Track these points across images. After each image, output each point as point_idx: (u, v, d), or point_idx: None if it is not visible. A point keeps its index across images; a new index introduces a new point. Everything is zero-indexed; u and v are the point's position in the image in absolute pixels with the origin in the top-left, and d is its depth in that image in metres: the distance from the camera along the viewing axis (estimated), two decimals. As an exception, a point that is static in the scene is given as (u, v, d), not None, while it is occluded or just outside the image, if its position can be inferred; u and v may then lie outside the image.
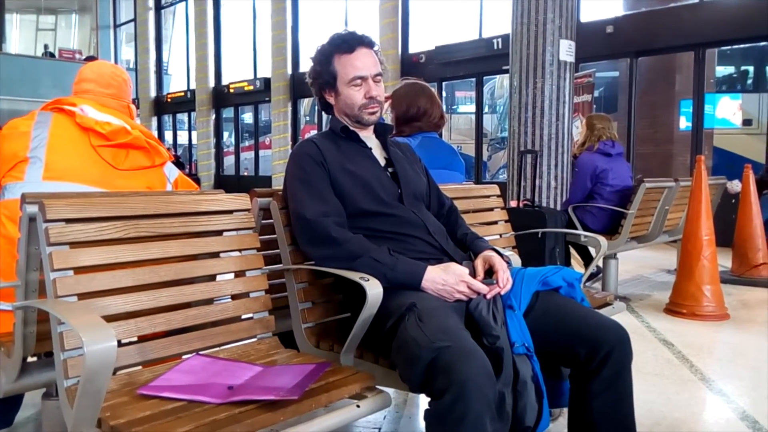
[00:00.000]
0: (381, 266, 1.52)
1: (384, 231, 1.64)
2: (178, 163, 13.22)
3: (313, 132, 13.19)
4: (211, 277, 1.59)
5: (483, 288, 1.50)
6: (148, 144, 1.85)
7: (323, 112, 1.83)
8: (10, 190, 1.67)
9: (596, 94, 8.87)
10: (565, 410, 1.57)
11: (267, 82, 13.37)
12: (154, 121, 17.21)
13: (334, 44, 1.71)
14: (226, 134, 15.98)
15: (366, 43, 1.72)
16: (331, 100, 1.76)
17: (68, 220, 1.31)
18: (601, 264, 4.21)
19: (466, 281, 1.50)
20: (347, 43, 1.70)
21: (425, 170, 1.91)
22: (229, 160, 15.74)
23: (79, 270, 1.31)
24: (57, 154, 1.71)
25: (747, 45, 7.97)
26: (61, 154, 1.71)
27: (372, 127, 1.80)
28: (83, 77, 1.94)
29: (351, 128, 1.75)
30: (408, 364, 1.32)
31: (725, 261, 4.81)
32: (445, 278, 1.50)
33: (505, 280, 1.54)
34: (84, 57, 18.91)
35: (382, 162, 1.77)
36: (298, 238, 1.64)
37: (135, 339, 1.40)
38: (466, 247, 1.76)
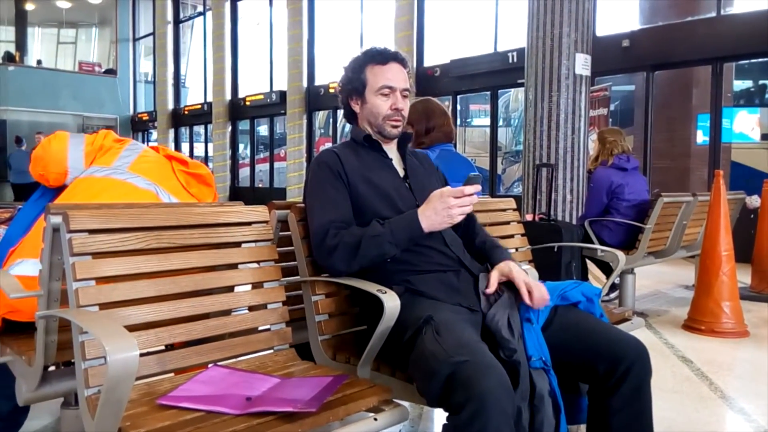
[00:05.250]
0: (381, 239, 1.54)
1: None
2: None
3: (328, 144, 13.30)
4: (230, 289, 1.61)
5: (468, 190, 1.50)
6: (213, 186, 2.08)
7: (347, 122, 1.87)
8: (93, 172, 1.83)
9: (612, 107, 8.82)
10: (583, 427, 1.56)
11: (283, 94, 13.49)
12: (171, 133, 17.41)
13: (369, 54, 1.76)
14: (241, 146, 16.11)
15: (399, 59, 1.76)
16: (356, 107, 1.78)
17: (91, 231, 1.33)
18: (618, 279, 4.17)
19: (450, 195, 1.51)
20: (382, 55, 1.74)
21: (444, 180, 1.92)
22: (244, 172, 15.85)
23: (101, 280, 1.33)
24: (145, 159, 1.94)
25: (765, 59, 7.90)
26: (148, 161, 1.94)
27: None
28: None
29: (373, 137, 1.77)
30: (426, 378, 1.32)
31: (744, 277, 4.74)
32: (435, 206, 1.53)
33: (526, 292, 1.51)
34: (103, 70, 19.24)
35: (401, 173, 1.78)
36: (313, 250, 1.65)
37: (156, 349, 1.41)
38: (485, 256, 1.75)
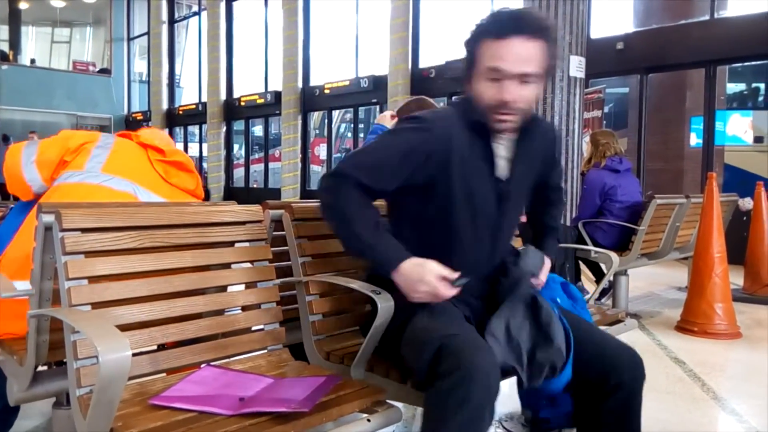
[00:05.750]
0: (359, 244, 1.40)
1: (437, 246, 1.47)
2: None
3: (323, 145, 13.29)
4: (223, 288, 1.60)
5: (445, 294, 1.35)
6: (196, 171, 2.00)
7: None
8: (66, 177, 1.78)
9: (606, 110, 8.86)
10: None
11: (278, 95, 13.47)
12: (165, 133, 17.35)
13: (488, 23, 1.41)
14: (236, 146, 16.08)
15: (526, 31, 1.36)
16: (468, 87, 1.46)
17: (84, 230, 1.33)
18: (611, 280, 4.18)
19: (428, 281, 1.34)
20: (499, 25, 1.38)
21: (551, 158, 1.66)
22: (238, 173, 15.82)
23: (93, 279, 1.32)
24: (118, 155, 1.85)
25: (758, 62, 7.95)
26: (122, 156, 1.86)
27: None
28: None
29: (486, 125, 1.44)
30: (416, 351, 1.32)
31: (737, 279, 4.76)
32: (414, 277, 1.35)
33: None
34: (97, 69, 19.16)
35: (504, 173, 1.50)
36: (328, 172, 1.47)
37: (149, 348, 1.41)
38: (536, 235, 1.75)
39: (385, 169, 1.42)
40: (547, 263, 1.62)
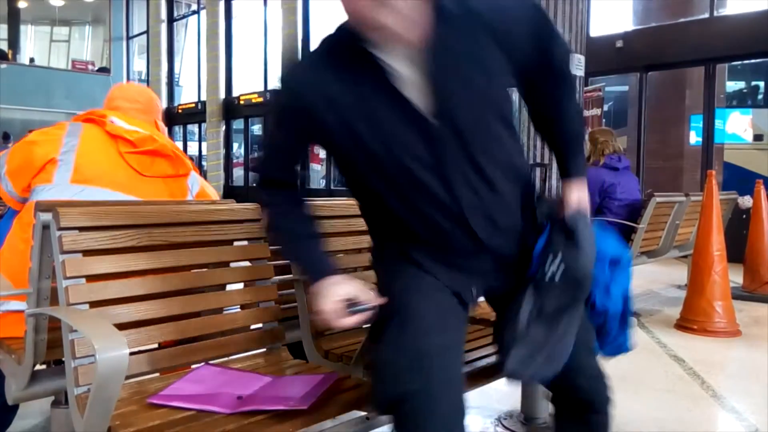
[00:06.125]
0: (294, 261, 1.37)
1: (384, 211, 1.20)
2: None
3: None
4: (221, 287, 1.60)
5: (340, 325, 1.17)
6: (173, 153, 1.88)
7: None
8: (38, 192, 1.71)
9: (606, 108, 8.85)
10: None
11: (277, 94, 13.46)
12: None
13: None
14: (235, 145, 16.07)
15: None
16: None
17: (81, 228, 1.32)
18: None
19: (321, 313, 1.16)
20: None
21: (529, 37, 1.18)
22: (238, 171, 15.80)
23: (91, 278, 1.32)
24: (86, 159, 1.74)
25: (758, 60, 7.95)
26: (90, 158, 1.75)
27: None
28: (111, 97, 2.02)
29: (364, 46, 1.08)
30: (376, 382, 1.17)
31: (736, 277, 4.76)
32: (318, 298, 1.17)
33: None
34: (97, 68, 19.15)
35: (421, 98, 1.09)
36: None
37: (147, 347, 1.41)
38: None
39: (277, 155, 1.26)
40: (582, 193, 1.26)
